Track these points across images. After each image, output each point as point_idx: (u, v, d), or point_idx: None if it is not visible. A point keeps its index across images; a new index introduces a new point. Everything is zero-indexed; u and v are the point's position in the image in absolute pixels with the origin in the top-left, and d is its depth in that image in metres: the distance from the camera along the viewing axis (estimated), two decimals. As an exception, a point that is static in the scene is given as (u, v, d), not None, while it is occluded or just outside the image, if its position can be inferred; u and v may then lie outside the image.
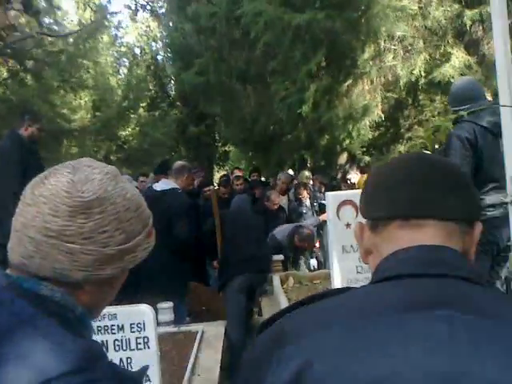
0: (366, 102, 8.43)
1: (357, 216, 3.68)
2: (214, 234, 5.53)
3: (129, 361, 2.88)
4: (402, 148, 18.95)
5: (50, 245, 0.93)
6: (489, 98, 7.57)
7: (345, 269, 3.73)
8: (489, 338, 0.77)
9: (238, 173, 9.34)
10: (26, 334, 0.84)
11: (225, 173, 14.39)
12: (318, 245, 7.29)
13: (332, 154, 11.97)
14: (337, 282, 3.73)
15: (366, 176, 8.17)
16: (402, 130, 13.47)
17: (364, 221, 1.02)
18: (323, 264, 7.07)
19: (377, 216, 0.97)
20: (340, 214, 3.74)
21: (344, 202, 3.75)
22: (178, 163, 5.31)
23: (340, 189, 7.65)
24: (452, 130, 3.83)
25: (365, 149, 13.56)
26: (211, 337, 4.68)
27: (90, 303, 1.00)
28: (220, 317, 5.44)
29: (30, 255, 0.94)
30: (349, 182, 7.74)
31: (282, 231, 6.59)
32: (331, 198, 3.80)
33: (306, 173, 9.19)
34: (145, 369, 1.04)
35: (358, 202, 3.01)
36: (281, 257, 6.15)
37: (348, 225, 3.74)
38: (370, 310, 0.83)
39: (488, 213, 3.54)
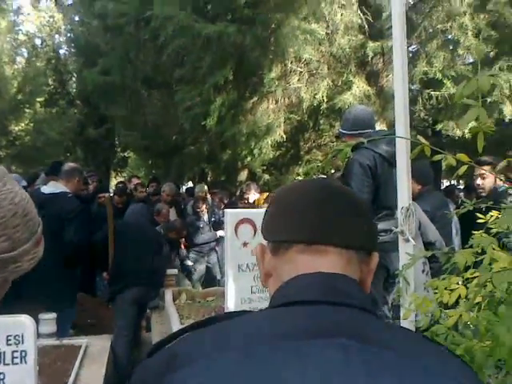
0: (269, 120, 8.54)
1: (255, 235, 3.67)
2: (106, 243, 5.33)
3: (1, 376, 2.68)
4: (300, 170, 19.49)
5: None
6: (384, 128, 7.98)
7: (240, 287, 3.68)
8: (384, 369, 0.77)
9: (137, 181, 9.13)
10: None
11: (121, 180, 13.93)
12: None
13: (233, 169, 12.04)
14: (231, 301, 3.68)
15: (264, 195, 8.17)
16: (302, 153, 13.93)
17: (265, 242, 1.01)
18: (218, 281, 7.01)
19: (278, 239, 0.96)
20: (238, 233, 3.67)
21: (242, 221, 3.69)
22: (69, 165, 5.03)
23: (238, 206, 7.61)
24: (352, 155, 3.94)
25: (265, 167, 13.80)
26: (96, 351, 4.48)
27: None
28: (107, 330, 5.27)
29: None
30: (246, 201, 7.73)
31: None
32: (229, 216, 3.72)
33: (205, 186, 9.15)
34: None
35: (256, 221, 3.30)
36: (175, 271, 6.07)
37: (245, 244, 3.69)
38: (269, 336, 0.81)
39: (380, 237, 3.66)
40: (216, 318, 0.94)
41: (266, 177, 12.57)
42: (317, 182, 1.02)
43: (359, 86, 8.23)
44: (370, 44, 8.16)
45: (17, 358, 2.72)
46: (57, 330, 4.32)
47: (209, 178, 14.03)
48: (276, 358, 0.77)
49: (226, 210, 3.88)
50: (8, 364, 2.69)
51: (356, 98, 8.09)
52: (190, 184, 15.57)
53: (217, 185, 11.72)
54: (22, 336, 2.74)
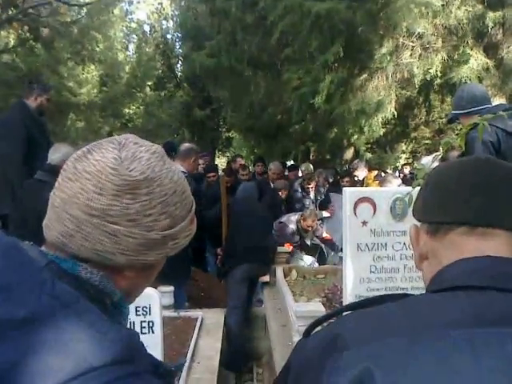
0: (380, 97, 8.26)
1: (374, 215, 3.60)
2: (218, 221, 5.43)
3: (131, 345, 2.79)
4: (404, 147, 18.77)
5: (93, 224, 0.86)
6: (503, 102, 7.45)
7: (358, 267, 3.64)
8: None
9: (240, 161, 9.24)
10: (69, 320, 0.78)
11: (226, 160, 14.39)
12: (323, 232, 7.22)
13: (338, 148, 11.85)
14: (349, 280, 3.65)
15: (373, 173, 8.00)
16: (409, 130, 13.33)
17: (419, 224, 0.97)
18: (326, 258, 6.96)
19: (439, 220, 0.92)
20: (357, 212, 3.63)
21: (361, 200, 3.63)
22: (186, 145, 5.13)
23: (341, 185, 7.62)
24: (472, 133, 3.68)
25: (369, 145, 13.42)
26: (211, 324, 4.62)
27: (129, 289, 0.95)
28: (219, 304, 5.41)
29: (70, 234, 0.87)
30: (356, 178, 7.60)
31: (289, 219, 6.60)
32: (349, 195, 3.66)
33: (310, 165, 9.10)
34: (181, 365, 0.96)
35: (376, 200, 3.35)
36: (286, 249, 6.12)
37: (364, 223, 3.63)
38: (435, 321, 0.78)
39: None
40: (377, 299, 0.92)
41: (368, 155, 12.27)
42: (482, 160, 0.95)
43: (477, 58, 7.71)
44: (490, 14, 7.60)
45: (145, 327, 2.84)
46: (174, 302, 4.47)
47: (311, 157, 13.89)
48: (446, 345, 0.73)
49: (344, 189, 3.81)
50: (137, 333, 2.83)
51: (473, 71, 7.60)
52: (292, 163, 15.87)
53: (320, 164, 11.66)
54: (150, 307, 2.86)
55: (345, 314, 0.92)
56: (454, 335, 0.74)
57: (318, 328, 0.94)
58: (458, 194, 0.90)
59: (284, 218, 6.57)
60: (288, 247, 6.27)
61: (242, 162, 9.27)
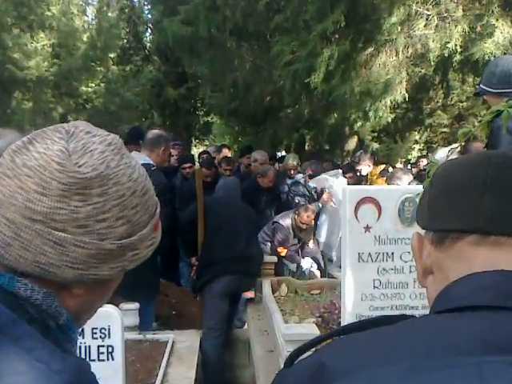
0: (388, 76, 8.25)
1: (379, 218, 3.61)
2: (194, 225, 5.39)
3: (86, 374, 2.76)
4: (417, 137, 18.52)
5: (34, 231, 0.85)
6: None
7: (360, 281, 3.64)
8: None
9: (227, 152, 9.15)
10: (3, 347, 0.77)
11: (204, 149, 13.82)
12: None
13: (338, 136, 11.85)
14: (348, 297, 3.65)
15: (379, 168, 8.02)
16: (423, 115, 13.28)
17: (423, 232, 0.97)
18: (323, 269, 6.97)
19: (445, 228, 0.92)
20: (359, 214, 3.62)
21: (364, 200, 3.62)
22: (155, 132, 5.10)
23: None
24: (498, 120, 3.70)
25: (375, 134, 13.40)
26: (183, 349, 4.60)
27: (78, 309, 0.94)
28: (193, 325, 5.36)
29: (6, 242, 0.86)
30: (358, 173, 7.57)
31: (284, 216, 6.75)
32: (349, 194, 3.66)
33: (296, 156, 8.84)
34: None
35: (381, 201, 3.53)
36: (274, 258, 6.12)
37: (367, 228, 3.63)
38: (439, 348, 0.77)
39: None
40: (370, 321, 0.92)
41: (375, 145, 12.28)
42: (489, 158, 0.93)
43: (504, 31, 7.75)
44: (520, -23, 7.66)
45: (103, 353, 2.82)
46: (139, 323, 4.44)
47: (306, 147, 13.86)
48: (451, 375, 0.73)
49: (345, 187, 3.84)
50: (94, 360, 2.78)
51: (499, 46, 7.64)
52: (284, 153, 15.82)
53: (316, 155, 11.60)
54: (109, 329, 2.83)
55: (336, 338, 0.93)
56: (461, 364, 0.74)
57: (305, 355, 0.93)
58: (467, 196, 0.89)
59: (278, 217, 6.67)
60: (282, 251, 6.31)
61: (229, 154, 9.19)
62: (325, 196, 7.19)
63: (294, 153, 11.92)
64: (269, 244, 6.62)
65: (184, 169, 7.46)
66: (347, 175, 7.60)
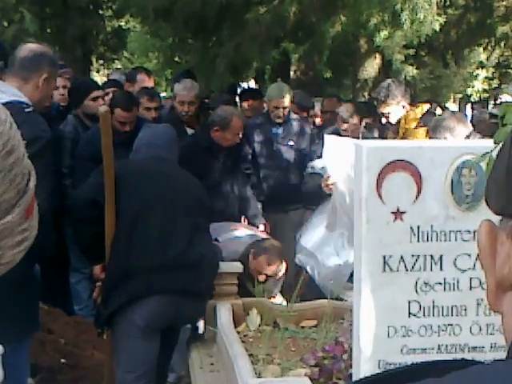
0: None
1: (418, 197, 2.61)
2: (96, 210, 3.90)
3: None
4: (483, 56, 13.46)
5: None
6: None
7: (385, 305, 2.65)
8: None
9: (146, 79, 6.76)
10: None
11: (113, 77, 8.50)
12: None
13: (348, 55, 9.38)
14: (365, 332, 2.63)
15: (419, 109, 5.83)
16: (492, 19, 9.11)
17: (497, 220, 0.74)
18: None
19: None
20: (383, 191, 2.59)
21: (393, 166, 2.59)
22: (30, 49, 3.74)
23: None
24: None
25: (410, 52, 9.50)
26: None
27: None
28: (97, 379, 4.35)
29: None
30: (384, 120, 5.87)
31: (232, 241, 4.94)
32: (368, 156, 2.61)
33: (286, 87, 6.51)
34: None
35: (422, 167, 2.52)
36: (237, 266, 4.52)
37: (398, 214, 2.59)
38: None
39: None
40: (405, 372, 0.73)
41: (409, 71, 9.17)
42: None
43: None
44: None
45: None
46: (3, 378, 3.14)
47: (292, 74, 10.60)
48: None
49: (358, 143, 2.75)
50: None
51: None
52: (253, 84, 12.59)
53: (310, 87, 8.99)
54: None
55: None
56: None
57: None
58: None
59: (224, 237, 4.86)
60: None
61: (150, 83, 6.85)
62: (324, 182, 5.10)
63: (270, 83, 9.14)
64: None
65: (91, 102, 5.41)
66: (365, 122, 5.71)
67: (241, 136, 5.55)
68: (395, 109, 5.53)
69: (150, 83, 6.73)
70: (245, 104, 7.06)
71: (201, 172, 4.87)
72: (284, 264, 4.73)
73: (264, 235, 5.14)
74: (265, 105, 6.69)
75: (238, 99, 7.89)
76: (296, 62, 10.29)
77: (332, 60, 9.42)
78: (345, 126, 5.53)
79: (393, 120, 5.57)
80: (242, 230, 5.08)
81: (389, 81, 5.87)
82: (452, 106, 9.17)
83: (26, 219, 0.87)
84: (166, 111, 6.53)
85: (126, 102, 5.33)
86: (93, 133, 4.91)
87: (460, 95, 11.92)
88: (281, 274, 4.72)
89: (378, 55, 9.04)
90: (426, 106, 5.69)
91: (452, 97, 10.65)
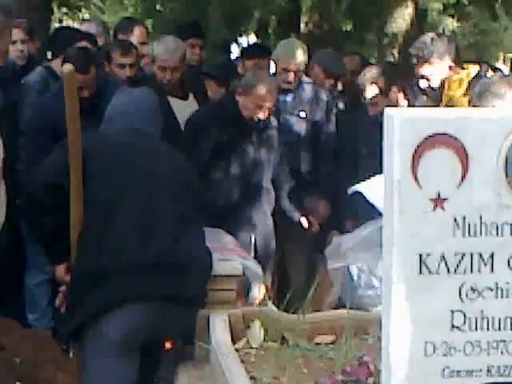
0: None
1: (463, 180, 2.24)
2: (57, 195, 3.39)
3: None
4: None
5: None
6: None
7: (422, 315, 2.31)
8: None
9: (144, 37, 6.07)
10: None
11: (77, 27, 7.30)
12: None
13: (371, 3, 8.58)
14: (398, 350, 2.29)
15: (465, 72, 5.14)
16: None
17: None
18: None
19: None
20: (420, 172, 2.24)
21: (433, 141, 2.23)
22: None
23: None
24: None
25: None
26: None
27: None
28: None
29: None
30: (423, 84, 4.99)
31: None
32: (401, 127, 2.25)
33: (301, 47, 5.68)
34: None
35: (468, 142, 2.24)
36: (236, 268, 3.99)
37: (439, 201, 2.24)
38: None
39: None
40: None
41: (448, 24, 8.57)
42: None
43: None
44: None
45: None
46: None
47: (303, 26, 9.64)
48: None
49: (390, 114, 2.28)
50: None
51: None
52: (253, 39, 11.25)
53: (322, 43, 8.22)
54: None
55: None
56: None
57: None
58: None
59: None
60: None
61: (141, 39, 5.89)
62: None
63: (276, 38, 8.41)
64: None
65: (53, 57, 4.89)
66: (394, 88, 5.22)
67: (267, 113, 4.83)
68: (439, 69, 4.88)
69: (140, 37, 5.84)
70: (249, 63, 6.13)
71: (227, 148, 4.63)
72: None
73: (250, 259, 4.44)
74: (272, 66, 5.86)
75: (235, 57, 7.01)
76: (307, 12, 9.24)
77: (353, 9, 8.52)
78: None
79: (435, 84, 4.90)
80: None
81: (431, 34, 5.16)
82: (502, 67, 8.29)
83: None
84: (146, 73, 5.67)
85: (80, 60, 4.53)
86: (49, 98, 4.34)
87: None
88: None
89: (410, 3, 8.10)
90: (475, 69, 5.00)
91: (502, 56, 9.67)
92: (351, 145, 5.31)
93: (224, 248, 4.21)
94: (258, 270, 4.23)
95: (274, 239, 5.01)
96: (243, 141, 4.86)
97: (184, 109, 4.87)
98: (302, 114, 5.23)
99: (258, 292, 4.23)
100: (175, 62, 4.99)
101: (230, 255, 4.14)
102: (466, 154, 2.21)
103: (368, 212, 4.11)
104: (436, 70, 4.80)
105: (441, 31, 7.55)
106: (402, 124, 2.21)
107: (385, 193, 2.32)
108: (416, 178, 2.21)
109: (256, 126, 4.83)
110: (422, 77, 4.88)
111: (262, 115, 4.75)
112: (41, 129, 4.37)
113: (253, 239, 4.87)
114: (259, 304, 4.14)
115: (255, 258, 4.64)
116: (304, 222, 5.00)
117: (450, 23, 7.86)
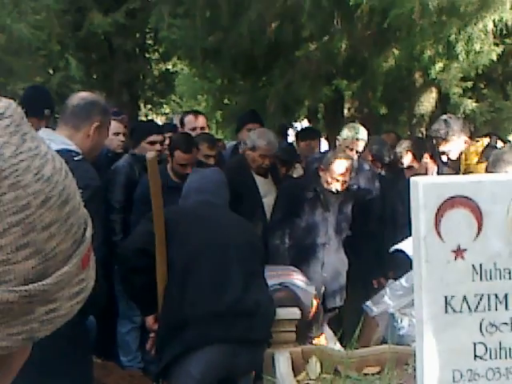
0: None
1: (479, 233, 2.51)
2: (146, 258, 3.79)
3: None
4: None
5: None
6: None
7: (449, 348, 2.55)
8: None
9: (193, 122, 6.44)
10: None
11: (166, 121, 8.95)
12: None
13: (403, 91, 8.75)
14: (430, 377, 2.54)
15: (480, 144, 5.57)
16: None
17: None
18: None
19: None
20: (443, 228, 2.52)
21: (453, 202, 2.53)
22: (81, 96, 3.62)
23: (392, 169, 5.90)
24: None
25: (469, 84, 8.53)
26: None
27: None
28: None
29: None
30: (445, 157, 5.59)
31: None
32: (425, 192, 2.58)
33: (360, 127, 6.34)
34: None
35: (483, 201, 2.38)
36: (295, 313, 4.42)
37: (459, 252, 2.52)
38: None
39: None
40: None
41: (468, 104, 8.28)
42: None
43: None
44: None
45: None
46: None
47: (346, 112, 10.04)
48: None
49: (415, 181, 2.61)
50: None
51: None
52: (306, 123, 11.68)
53: (367, 123, 8.07)
54: None
55: None
56: None
57: None
58: None
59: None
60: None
61: (198, 123, 6.47)
62: None
63: (324, 123, 9.38)
64: None
65: (147, 145, 5.30)
66: (426, 155, 5.80)
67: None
68: (456, 145, 5.40)
69: (198, 123, 6.44)
70: (302, 144, 7.06)
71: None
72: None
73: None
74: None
75: (292, 139, 7.70)
76: (349, 99, 9.86)
77: (386, 96, 9.02)
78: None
79: (453, 156, 5.42)
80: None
81: (445, 116, 5.72)
82: (512, 139, 8.66)
83: (83, 269, 0.82)
84: (228, 153, 6.50)
85: (185, 143, 5.24)
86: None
87: (523, 130, 11.33)
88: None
89: (434, 89, 8.62)
90: (487, 140, 5.49)
91: (512, 131, 10.05)
92: (391, 205, 5.90)
93: (280, 274, 4.80)
94: (308, 288, 4.78)
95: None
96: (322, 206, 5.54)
97: (264, 184, 5.73)
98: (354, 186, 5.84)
99: (311, 304, 4.76)
100: (273, 152, 5.78)
101: (284, 279, 4.72)
102: (480, 212, 2.49)
103: (408, 265, 4.47)
104: (453, 146, 5.35)
105: (462, 111, 7.88)
106: (425, 188, 2.51)
107: (413, 247, 2.61)
108: (439, 234, 2.49)
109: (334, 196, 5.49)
110: (443, 153, 5.46)
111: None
112: (144, 200, 4.75)
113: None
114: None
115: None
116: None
117: (470, 104, 8.13)
